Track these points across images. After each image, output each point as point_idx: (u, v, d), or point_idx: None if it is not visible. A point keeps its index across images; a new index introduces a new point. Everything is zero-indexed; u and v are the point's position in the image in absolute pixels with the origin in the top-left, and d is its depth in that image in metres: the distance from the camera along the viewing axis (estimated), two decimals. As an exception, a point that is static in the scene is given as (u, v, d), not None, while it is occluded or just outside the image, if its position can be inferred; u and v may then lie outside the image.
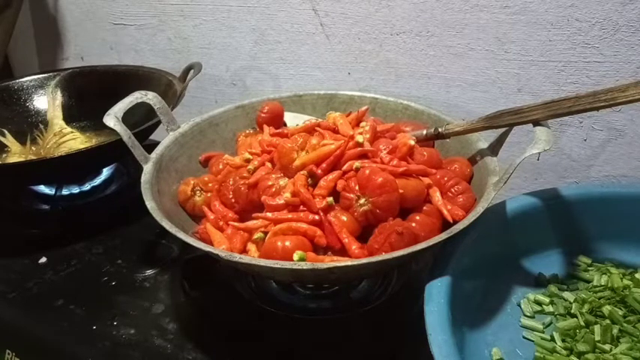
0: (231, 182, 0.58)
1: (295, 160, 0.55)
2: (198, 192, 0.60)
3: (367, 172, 0.51)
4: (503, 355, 0.49)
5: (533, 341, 0.51)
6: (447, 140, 0.61)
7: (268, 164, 0.59)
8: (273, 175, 0.55)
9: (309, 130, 0.61)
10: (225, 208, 0.58)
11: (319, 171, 0.53)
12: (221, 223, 0.56)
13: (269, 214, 0.52)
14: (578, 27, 0.65)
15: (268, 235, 0.51)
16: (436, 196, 0.53)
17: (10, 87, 0.88)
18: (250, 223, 0.53)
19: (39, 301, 0.61)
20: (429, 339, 0.42)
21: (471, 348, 0.47)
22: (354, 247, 0.49)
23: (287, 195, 0.52)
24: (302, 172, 0.54)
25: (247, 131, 0.69)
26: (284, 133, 0.63)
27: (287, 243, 0.48)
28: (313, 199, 0.51)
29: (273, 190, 0.54)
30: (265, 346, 0.54)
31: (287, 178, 0.55)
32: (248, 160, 0.60)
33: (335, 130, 0.61)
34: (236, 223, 0.54)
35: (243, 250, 0.52)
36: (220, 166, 0.62)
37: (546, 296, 0.55)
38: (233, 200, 0.58)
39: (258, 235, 0.52)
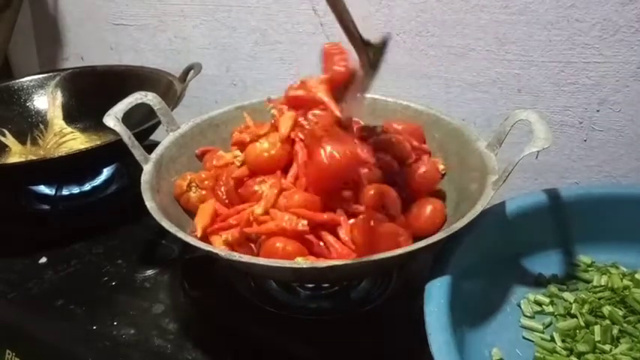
0: (222, 181, 0.58)
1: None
2: (193, 188, 0.59)
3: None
4: (503, 355, 0.49)
5: (533, 341, 0.51)
6: (446, 140, 0.62)
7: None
8: (257, 179, 0.56)
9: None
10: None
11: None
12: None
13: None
14: (578, 27, 0.65)
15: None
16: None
17: (10, 87, 0.88)
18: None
19: (39, 301, 0.61)
20: (429, 339, 0.42)
21: (471, 348, 0.47)
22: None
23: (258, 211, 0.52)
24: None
25: (242, 126, 0.68)
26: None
27: (288, 247, 0.49)
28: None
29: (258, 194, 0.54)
30: (265, 347, 0.54)
31: (268, 182, 0.55)
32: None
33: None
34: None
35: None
36: (214, 162, 0.62)
37: (546, 296, 0.55)
38: (227, 201, 0.58)
39: (225, 237, 0.52)
